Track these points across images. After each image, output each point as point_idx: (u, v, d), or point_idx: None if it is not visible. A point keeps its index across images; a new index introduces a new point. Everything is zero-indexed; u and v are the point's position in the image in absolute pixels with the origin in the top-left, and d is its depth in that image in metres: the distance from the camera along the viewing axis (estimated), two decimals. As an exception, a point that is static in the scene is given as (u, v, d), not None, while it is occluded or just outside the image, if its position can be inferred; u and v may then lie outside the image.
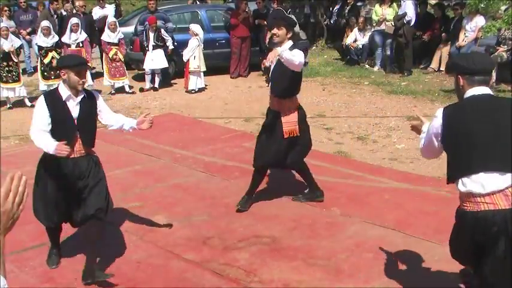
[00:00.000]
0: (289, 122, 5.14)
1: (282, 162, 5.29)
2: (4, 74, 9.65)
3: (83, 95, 4.15)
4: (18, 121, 9.08)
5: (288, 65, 4.74)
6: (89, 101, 4.20)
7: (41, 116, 4.07)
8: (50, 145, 3.97)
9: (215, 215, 5.28)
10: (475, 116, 3.05)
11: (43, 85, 10.11)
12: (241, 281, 4.13)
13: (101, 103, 4.32)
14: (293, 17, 11.85)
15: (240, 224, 5.08)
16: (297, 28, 11.04)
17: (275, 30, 4.94)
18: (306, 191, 5.61)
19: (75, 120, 4.14)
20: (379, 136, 7.76)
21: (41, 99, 4.14)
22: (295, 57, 4.68)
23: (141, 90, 11.20)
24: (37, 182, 4.23)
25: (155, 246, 4.67)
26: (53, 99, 4.11)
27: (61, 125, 4.10)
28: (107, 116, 4.38)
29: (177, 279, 4.17)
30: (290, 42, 4.95)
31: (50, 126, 4.06)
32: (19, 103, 10.08)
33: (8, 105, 9.93)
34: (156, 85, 11.23)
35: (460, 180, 3.06)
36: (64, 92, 4.11)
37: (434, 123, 3.16)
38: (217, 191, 5.84)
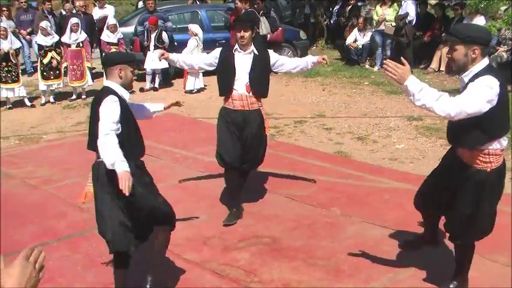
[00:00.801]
0: (267, 119, 5.29)
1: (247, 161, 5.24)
2: (3, 74, 9.66)
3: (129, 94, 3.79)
4: (18, 121, 9.10)
5: (309, 68, 5.58)
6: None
7: (115, 116, 3.42)
8: (123, 164, 3.27)
9: (215, 215, 5.28)
10: (504, 80, 3.40)
11: (43, 85, 10.13)
12: (241, 281, 4.13)
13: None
14: (274, 15, 11.90)
15: (240, 224, 5.08)
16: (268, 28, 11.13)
17: (242, 33, 4.97)
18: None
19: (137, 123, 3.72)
20: (379, 136, 7.76)
21: (113, 98, 3.49)
22: None
23: (141, 90, 11.20)
24: (100, 200, 3.62)
25: (155, 246, 4.66)
26: (121, 100, 3.55)
27: (129, 129, 3.57)
28: (141, 109, 4.08)
29: (177, 279, 4.17)
30: (252, 45, 5.06)
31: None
32: (19, 103, 10.09)
33: (8, 106, 9.94)
34: (156, 85, 11.24)
35: (500, 139, 3.44)
36: (123, 91, 3.63)
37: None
38: (217, 191, 5.84)
